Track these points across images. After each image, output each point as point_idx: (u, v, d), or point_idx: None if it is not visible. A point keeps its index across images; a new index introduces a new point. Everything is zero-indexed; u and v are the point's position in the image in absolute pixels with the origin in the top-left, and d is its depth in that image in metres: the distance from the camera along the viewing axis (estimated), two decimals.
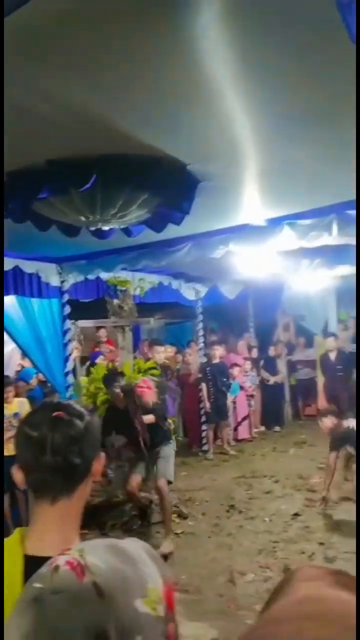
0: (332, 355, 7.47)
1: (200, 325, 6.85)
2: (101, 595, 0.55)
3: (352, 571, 0.59)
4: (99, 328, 6.92)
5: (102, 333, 7.17)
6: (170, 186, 2.69)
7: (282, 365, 8.72)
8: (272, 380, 8.49)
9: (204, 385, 6.94)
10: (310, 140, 2.52)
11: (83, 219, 2.78)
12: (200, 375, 7.06)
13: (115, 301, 4.83)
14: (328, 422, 4.87)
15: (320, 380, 8.15)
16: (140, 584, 0.59)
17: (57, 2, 1.41)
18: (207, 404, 6.93)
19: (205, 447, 6.89)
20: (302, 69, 1.86)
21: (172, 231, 3.42)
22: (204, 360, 7.18)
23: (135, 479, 4.20)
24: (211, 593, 3.57)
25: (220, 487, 5.68)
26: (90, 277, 5.21)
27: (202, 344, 7.05)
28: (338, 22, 1.46)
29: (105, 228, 3.08)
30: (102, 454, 1.02)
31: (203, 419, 7.03)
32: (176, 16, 1.49)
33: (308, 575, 0.54)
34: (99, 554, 0.61)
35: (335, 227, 3.54)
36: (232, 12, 1.52)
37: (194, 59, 1.74)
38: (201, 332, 6.90)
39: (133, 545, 0.67)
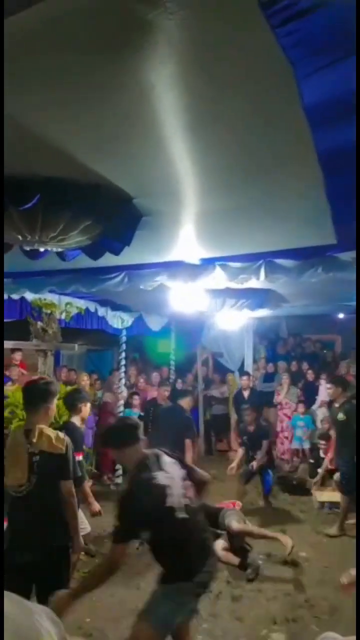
0: (246, 394, 7.76)
1: (123, 354, 6.80)
2: None
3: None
4: (14, 350, 6.56)
5: (17, 356, 6.78)
6: (115, 217, 2.71)
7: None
8: None
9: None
10: (249, 189, 2.69)
11: (20, 237, 2.69)
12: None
13: (39, 324, 4.65)
14: (240, 453, 5.21)
15: (233, 418, 8.40)
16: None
17: (14, 21, 1.39)
18: None
19: (118, 480, 6.71)
20: (250, 125, 2.00)
21: (106, 259, 3.41)
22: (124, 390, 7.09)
23: None
24: (115, 636, 3.41)
25: None
26: (14, 296, 4.99)
27: (123, 374, 6.97)
28: (291, 86, 1.62)
29: (41, 249, 3.00)
30: None
31: None
32: (138, 55, 1.55)
33: None
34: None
35: (262, 272, 3.77)
36: (188, 66, 1.61)
37: (148, 99, 1.81)
38: (123, 362, 6.84)
39: (31, 603, 0.69)
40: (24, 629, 0.61)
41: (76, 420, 3.90)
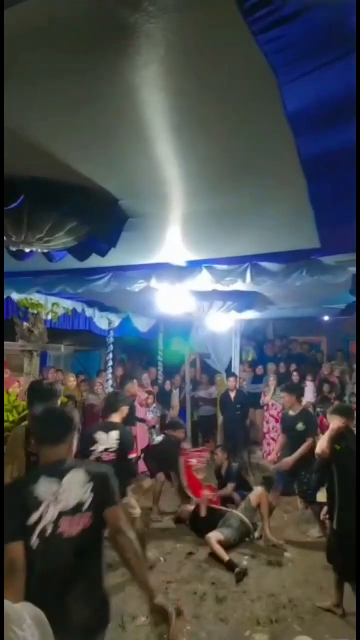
0: (232, 395, 7.78)
1: (111, 355, 6.79)
2: None
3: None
4: None
5: None
6: (101, 218, 2.72)
7: (176, 400, 8.84)
8: (168, 414, 8.57)
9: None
10: (234, 193, 2.71)
11: (6, 238, 2.68)
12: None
13: (25, 324, 4.62)
14: (221, 455, 5.19)
15: (220, 419, 8.43)
16: None
17: (5, 20, 1.40)
18: None
19: None
20: (234, 129, 2.02)
21: (93, 260, 3.41)
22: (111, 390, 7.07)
23: None
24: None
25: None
26: None
27: (110, 375, 6.96)
28: (274, 92, 1.64)
29: (27, 250, 2.99)
30: None
31: None
32: (124, 59, 1.56)
33: None
34: None
35: (249, 275, 3.80)
36: (172, 69, 1.63)
37: (136, 102, 1.82)
38: (110, 363, 6.83)
39: (16, 607, 0.63)
40: None
41: (117, 419, 3.96)
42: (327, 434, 3.58)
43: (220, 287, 4.82)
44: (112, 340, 6.78)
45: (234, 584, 4.22)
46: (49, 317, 5.39)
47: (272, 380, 8.12)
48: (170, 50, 1.53)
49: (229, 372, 8.26)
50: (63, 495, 1.87)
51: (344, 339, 9.34)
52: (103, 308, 6.46)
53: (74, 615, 1.79)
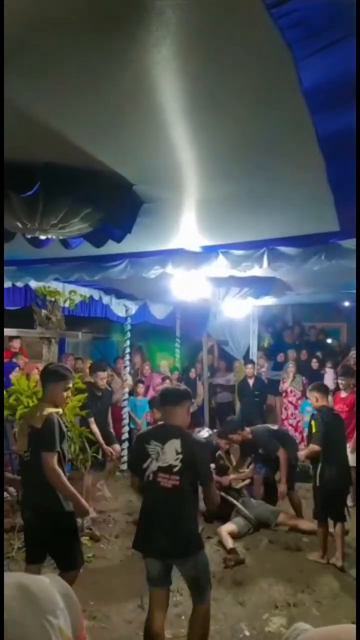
0: (250, 382, 7.77)
1: (128, 342, 6.82)
2: None
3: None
4: (12, 338, 6.59)
5: (16, 344, 6.82)
6: (115, 204, 2.70)
7: (201, 388, 8.88)
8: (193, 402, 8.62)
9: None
10: (250, 177, 2.66)
11: (20, 225, 2.69)
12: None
13: (44, 312, 4.67)
14: (239, 436, 5.29)
15: (237, 405, 8.43)
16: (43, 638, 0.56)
17: (13, 6, 1.38)
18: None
19: (123, 467, 6.78)
20: (250, 111, 1.97)
21: (109, 247, 3.41)
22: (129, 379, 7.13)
23: None
24: (119, 619, 3.48)
25: (136, 508, 5.58)
26: (19, 284, 5.01)
27: (127, 362, 7.00)
28: (290, 69, 1.59)
29: (43, 237, 3.01)
30: None
31: (125, 436, 6.93)
32: (135, 39, 1.53)
33: None
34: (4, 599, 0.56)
35: (265, 260, 3.74)
36: (189, 50, 1.59)
37: (148, 84, 1.79)
38: (128, 350, 6.86)
39: (48, 589, 0.61)
40: (31, 636, 0.55)
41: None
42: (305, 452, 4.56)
43: (237, 273, 4.78)
44: (129, 327, 6.80)
45: (253, 568, 4.26)
46: (66, 305, 5.43)
47: (291, 367, 8.07)
48: (183, 29, 1.49)
49: (247, 359, 8.24)
50: (162, 456, 2.59)
51: None
52: (120, 295, 6.48)
53: (172, 536, 2.57)
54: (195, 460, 2.57)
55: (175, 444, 2.57)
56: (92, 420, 4.96)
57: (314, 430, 4.32)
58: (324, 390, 4.53)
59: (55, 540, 2.98)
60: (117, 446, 5.66)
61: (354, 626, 0.57)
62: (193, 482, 2.61)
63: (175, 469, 2.53)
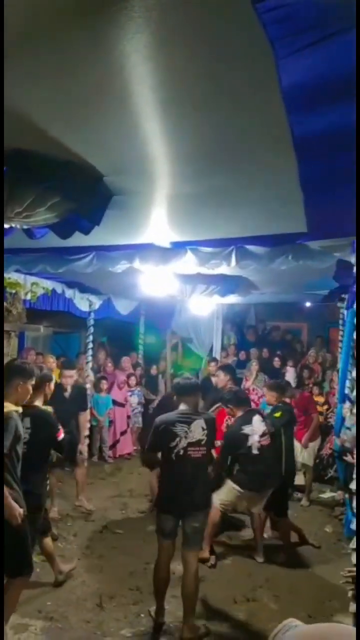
0: (214, 380, 7.80)
1: (91, 337, 6.68)
2: None
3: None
4: None
5: None
6: (85, 194, 2.61)
7: (162, 385, 8.85)
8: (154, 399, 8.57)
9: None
10: (221, 174, 2.64)
11: None
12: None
13: (4, 304, 4.50)
14: None
15: (200, 403, 8.45)
16: None
17: None
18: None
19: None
20: (225, 109, 1.95)
21: (76, 238, 3.32)
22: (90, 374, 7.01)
23: None
24: (77, 619, 3.41)
25: (95, 506, 5.52)
26: None
27: (90, 357, 6.87)
28: (270, 67, 1.57)
29: (6, 226, 2.88)
30: None
31: (86, 432, 6.78)
32: (115, 23, 1.47)
33: None
34: None
35: (233, 259, 3.75)
36: (164, 40, 1.54)
37: (125, 74, 1.73)
38: (90, 345, 6.73)
39: None
40: None
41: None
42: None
43: (204, 271, 4.77)
44: (92, 322, 6.66)
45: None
46: (28, 297, 5.25)
47: (254, 365, 8.17)
48: (164, 17, 1.44)
49: (211, 357, 8.27)
50: (190, 434, 3.27)
51: (325, 325, 9.44)
52: (83, 289, 6.33)
53: (195, 496, 3.30)
54: (214, 432, 3.48)
55: (200, 423, 3.31)
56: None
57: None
58: (278, 388, 5.04)
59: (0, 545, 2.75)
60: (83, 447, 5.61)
61: (344, 625, 0.58)
62: (210, 450, 3.49)
63: (203, 442, 3.30)
